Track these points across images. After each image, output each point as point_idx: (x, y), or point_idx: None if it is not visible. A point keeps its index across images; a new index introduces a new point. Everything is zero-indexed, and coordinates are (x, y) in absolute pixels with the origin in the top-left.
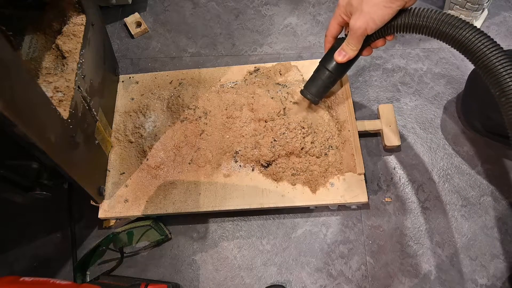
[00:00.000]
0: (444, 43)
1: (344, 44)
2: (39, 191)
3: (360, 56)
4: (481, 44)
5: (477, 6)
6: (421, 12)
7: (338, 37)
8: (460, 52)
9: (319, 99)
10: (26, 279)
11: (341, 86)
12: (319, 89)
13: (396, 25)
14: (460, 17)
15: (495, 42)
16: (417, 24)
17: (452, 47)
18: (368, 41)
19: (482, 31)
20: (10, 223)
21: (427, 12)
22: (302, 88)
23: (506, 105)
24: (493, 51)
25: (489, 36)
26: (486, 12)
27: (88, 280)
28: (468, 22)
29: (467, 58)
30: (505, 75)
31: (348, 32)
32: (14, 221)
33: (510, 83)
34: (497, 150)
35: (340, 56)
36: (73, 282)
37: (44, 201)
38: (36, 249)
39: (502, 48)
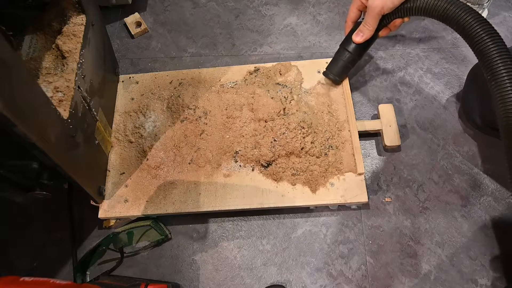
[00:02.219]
0: (444, 44)
1: (361, 25)
2: (39, 191)
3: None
4: (481, 30)
5: (477, 6)
6: None
7: (358, 21)
8: (461, 36)
9: (340, 78)
10: (26, 279)
11: (341, 86)
12: (339, 69)
13: (409, 8)
14: None
15: (495, 30)
16: (426, 7)
17: (455, 31)
18: (384, 21)
19: (485, 19)
20: (10, 223)
21: None
22: (324, 70)
23: (495, 88)
24: (491, 37)
25: (490, 24)
26: (486, 12)
27: (88, 280)
28: (474, 10)
29: (467, 43)
30: (498, 59)
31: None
32: (14, 221)
33: (501, 67)
34: (498, 149)
35: (357, 37)
36: (73, 282)
37: (44, 201)
38: (36, 249)
39: (500, 36)
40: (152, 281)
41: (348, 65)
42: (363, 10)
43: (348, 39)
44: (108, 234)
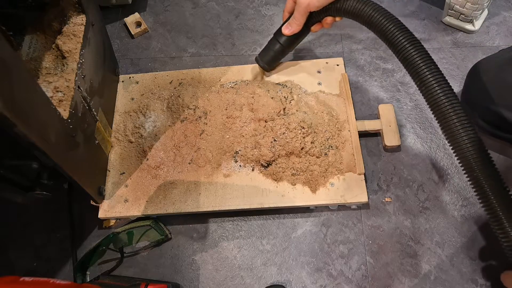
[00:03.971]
0: (444, 44)
1: (290, 19)
2: (39, 191)
3: (361, 56)
4: (403, 38)
5: (477, 6)
6: (358, 0)
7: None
8: (384, 42)
9: (269, 67)
10: (26, 279)
11: (341, 86)
12: (270, 59)
13: (337, 8)
14: (460, 17)
15: (415, 37)
16: (352, 11)
17: (379, 37)
18: (314, 17)
19: (405, 26)
20: (10, 223)
21: (362, 2)
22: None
23: (426, 93)
24: (413, 45)
25: (410, 32)
26: (486, 12)
27: (88, 280)
28: (394, 17)
29: (391, 50)
30: (423, 66)
31: None
32: (14, 221)
33: (427, 73)
34: (497, 150)
35: (286, 29)
36: (73, 282)
37: (44, 201)
38: (36, 249)
39: (420, 42)
40: (152, 281)
41: (278, 55)
42: None
43: (280, 29)
44: (108, 234)
